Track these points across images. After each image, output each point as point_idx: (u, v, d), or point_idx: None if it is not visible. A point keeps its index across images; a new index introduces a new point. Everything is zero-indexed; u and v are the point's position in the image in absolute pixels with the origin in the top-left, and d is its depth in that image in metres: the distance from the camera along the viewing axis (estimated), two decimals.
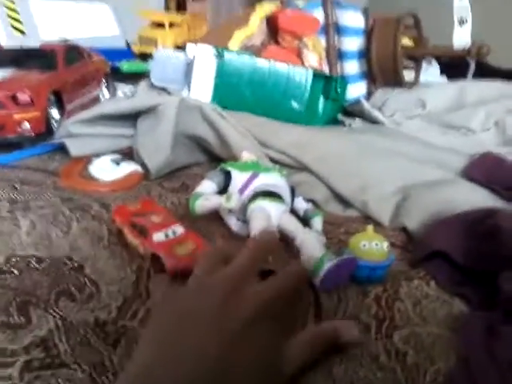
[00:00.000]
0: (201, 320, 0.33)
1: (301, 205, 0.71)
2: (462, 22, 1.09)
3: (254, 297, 0.35)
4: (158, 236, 0.59)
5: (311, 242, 0.59)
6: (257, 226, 0.61)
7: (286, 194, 0.68)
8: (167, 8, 3.57)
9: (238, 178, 0.68)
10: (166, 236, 0.60)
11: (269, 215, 0.63)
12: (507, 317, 0.52)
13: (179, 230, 0.62)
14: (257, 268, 0.38)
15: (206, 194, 0.66)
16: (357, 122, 1.07)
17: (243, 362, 0.32)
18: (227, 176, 0.69)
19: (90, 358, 0.45)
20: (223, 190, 0.68)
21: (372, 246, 0.58)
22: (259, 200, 0.65)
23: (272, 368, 0.35)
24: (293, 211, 0.71)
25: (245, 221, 0.65)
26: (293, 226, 0.63)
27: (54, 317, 0.50)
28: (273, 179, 0.68)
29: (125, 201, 0.76)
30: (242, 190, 0.67)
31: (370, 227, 0.60)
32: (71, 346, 0.46)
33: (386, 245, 0.58)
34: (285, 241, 0.63)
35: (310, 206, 0.71)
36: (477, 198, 0.72)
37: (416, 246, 0.68)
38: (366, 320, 0.53)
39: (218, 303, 0.34)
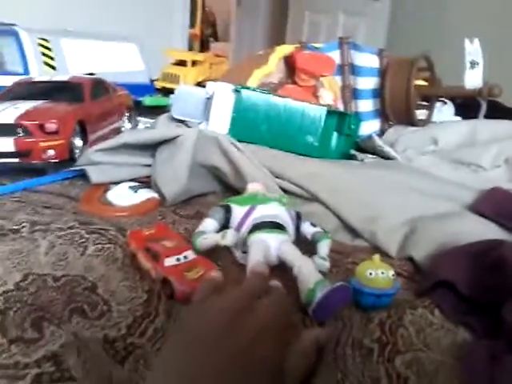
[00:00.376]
0: (209, 342, 0.36)
1: (308, 229, 0.73)
2: (473, 64, 1.12)
3: (256, 317, 0.38)
4: (170, 261, 0.61)
5: (307, 271, 0.60)
6: (253, 259, 0.62)
7: (286, 222, 0.70)
8: (190, 48, 3.71)
9: (238, 212, 0.70)
10: (178, 260, 0.62)
11: (267, 246, 0.65)
12: (511, 346, 0.52)
13: (191, 255, 0.64)
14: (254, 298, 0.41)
15: (206, 232, 0.68)
16: (369, 158, 1.09)
17: (252, 376, 0.35)
18: (228, 211, 0.71)
19: (99, 375, 0.46)
20: (225, 225, 0.71)
21: (378, 274, 0.59)
22: (257, 232, 0.66)
23: (276, 380, 0.37)
24: (300, 236, 0.72)
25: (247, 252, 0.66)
26: (291, 255, 0.64)
27: (67, 333, 0.52)
28: (271, 210, 0.70)
29: (140, 226, 0.79)
30: (241, 224, 0.69)
31: (377, 256, 0.61)
32: (81, 362, 0.47)
33: (391, 273, 0.59)
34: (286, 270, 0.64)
35: (317, 229, 0.72)
36: (484, 231, 0.73)
37: (422, 276, 0.69)
38: (369, 344, 0.54)
39: (223, 324, 0.37)
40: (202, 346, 0.35)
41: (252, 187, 0.77)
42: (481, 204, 0.80)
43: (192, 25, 3.85)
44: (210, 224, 0.70)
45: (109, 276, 0.64)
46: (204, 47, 4.60)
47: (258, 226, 0.67)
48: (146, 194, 0.88)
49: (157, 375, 0.37)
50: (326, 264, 0.65)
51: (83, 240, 0.73)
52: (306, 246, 0.71)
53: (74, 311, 0.56)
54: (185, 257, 0.63)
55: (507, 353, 0.52)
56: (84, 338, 0.51)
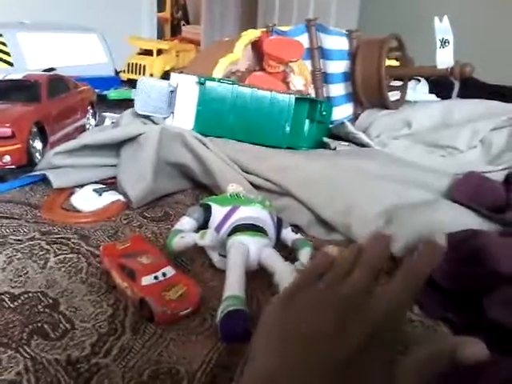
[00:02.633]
0: (318, 340, 0.31)
1: (289, 235, 0.70)
2: (443, 43, 1.09)
3: (371, 312, 0.33)
4: (147, 279, 0.57)
5: (288, 279, 0.57)
6: (233, 262, 0.59)
7: (268, 226, 0.67)
8: (161, 33, 3.61)
9: (218, 212, 0.67)
10: (156, 279, 0.57)
11: (247, 250, 0.62)
12: (491, 340, 0.51)
13: (169, 272, 0.59)
14: (371, 282, 0.35)
15: (183, 232, 0.65)
16: (342, 145, 1.06)
17: (363, 375, 0.30)
18: (207, 211, 0.68)
19: None
20: (204, 225, 0.67)
21: None
22: (238, 234, 0.64)
23: None
24: (280, 242, 0.70)
25: (225, 256, 0.63)
26: (273, 261, 0.61)
27: (25, 358, 0.48)
28: (254, 212, 0.67)
29: (104, 232, 0.75)
30: (221, 225, 0.66)
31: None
32: None
33: None
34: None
35: (298, 236, 0.70)
36: (460, 219, 0.71)
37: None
38: None
39: (336, 320, 0.32)
40: (315, 342, 0.31)
41: (232, 188, 0.74)
42: (456, 190, 0.78)
43: (161, 8, 3.75)
44: (187, 222, 0.67)
45: (72, 290, 0.60)
46: (175, 31, 4.49)
47: (239, 228, 0.64)
48: (110, 197, 0.84)
49: (260, 356, 0.32)
50: None
51: (43, 252, 0.69)
52: (285, 252, 0.68)
53: (34, 332, 0.52)
54: (163, 274, 0.58)
55: (488, 348, 0.50)
56: (44, 362, 0.48)
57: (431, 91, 1.62)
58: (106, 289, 0.60)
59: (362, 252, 0.37)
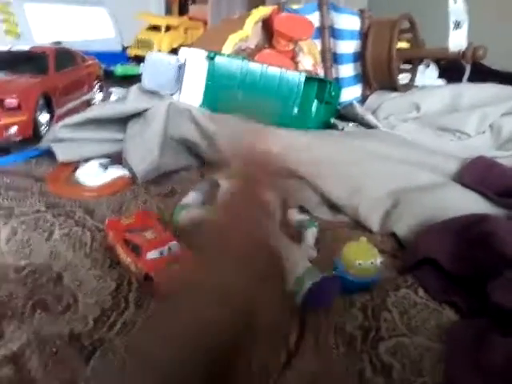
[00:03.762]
0: None
1: (294, 216, 0.69)
2: (457, 25, 1.07)
3: None
4: (152, 254, 0.56)
5: (295, 258, 0.57)
6: None
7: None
8: (169, 12, 3.56)
9: (226, 188, 0.66)
10: (161, 254, 0.57)
11: None
12: (495, 324, 0.50)
13: (175, 247, 0.58)
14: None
15: (190, 205, 0.64)
16: (350, 126, 1.05)
17: None
18: (216, 185, 0.67)
19: (61, 375, 0.43)
20: (212, 201, 0.67)
21: (367, 265, 0.56)
22: None
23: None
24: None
25: None
26: (279, 240, 0.60)
27: (28, 331, 0.48)
28: None
29: (109, 207, 0.75)
30: None
31: (364, 239, 0.58)
32: (43, 362, 0.44)
33: (379, 261, 0.57)
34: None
35: (303, 216, 0.70)
36: (467, 202, 0.70)
37: (405, 252, 0.66)
38: (352, 331, 0.51)
39: None
40: None
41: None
42: (464, 174, 0.77)
43: None
44: (194, 197, 0.66)
45: (76, 264, 0.60)
46: (183, 10, 4.43)
47: None
48: (116, 172, 0.84)
49: None
50: (314, 253, 0.62)
51: (49, 224, 0.69)
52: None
53: (37, 305, 0.52)
54: (169, 248, 0.58)
55: (491, 331, 0.50)
56: (47, 335, 0.48)
57: (440, 76, 1.59)
58: (110, 263, 0.60)
59: None
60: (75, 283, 0.56)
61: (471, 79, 1.22)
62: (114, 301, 0.53)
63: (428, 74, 1.51)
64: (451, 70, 1.48)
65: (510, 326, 0.49)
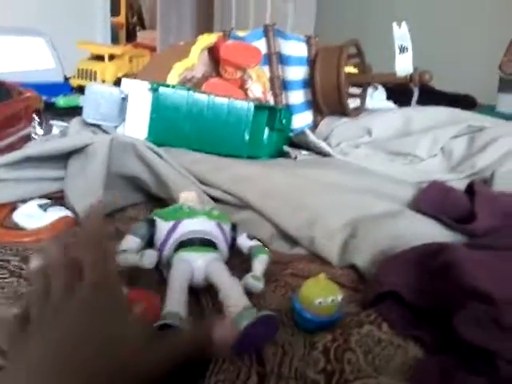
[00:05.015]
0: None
1: (244, 242, 0.66)
2: (402, 49, 1.08)
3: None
4: None
5: (231, 300, 0.53)
6: (173, 281, 0.55)
7: (217, 238, 0.62)
8: (116, 39, 3.52)
9: (162, 227, 0.62)
10: None
11: (192, 267, 0.57)
12: (463, 361, 0.48)
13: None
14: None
15: (126, 252, 0.59)
16: (303, 154, 1.04)
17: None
18: (152, 226, 0.63)
19: None
20: (151, 241, 0.62)
21: (328, 303, 0.53)
22: (182, 251, 0.59)
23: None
24: (237, 249, 0.66)
25: None
26: (217, 277, 0.56)
27: None
28: (198, 225, 0.62)
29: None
30: (164, 242, 0.61)
31: (322, 276, 0.55)
32: None
33: (340, 297, 0.54)
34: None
35: (254, 242, 0.66)
36: (427, 231, 0.69)
37: (367, 285, 0.64)
38: (314, 376, 0.48)
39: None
40: None
41: (185, 196, 0.69)
42: (420, 201, 0.76)
43: (116, 13, 3.65)
44: (131, 242, 0.61)
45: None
46: (130, 37, 4.40)
47: (183, 245, 0.60)
48: (57, 213, 0.78)
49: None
50: (259, 285, 0.58)
51: None
52: (244, 261, 0.64)
53: None
54: None
55: (460, 368, 0.48)
56: None
57: (388, 98, 1.62)
58: None
59: None
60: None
61: (419, 101, 1.24)
62: None
63: (376, 97, 1.54)
64: (398, 92, 1.52)
65: (476, 361, 0.47)
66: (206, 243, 0.61)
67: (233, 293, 0.54)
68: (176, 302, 0.52)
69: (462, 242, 0.65)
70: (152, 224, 0.63)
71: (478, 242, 0.65)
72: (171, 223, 0.61)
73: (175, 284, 0.54)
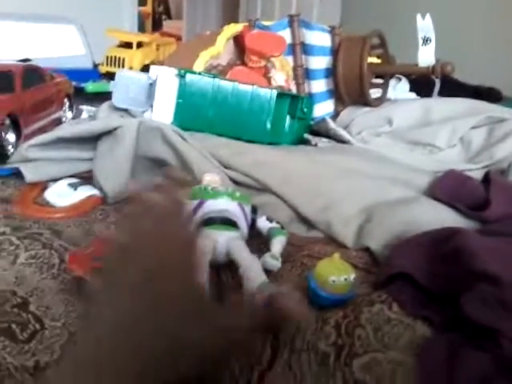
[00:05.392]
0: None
1: (264, 224, 0.69)
2: (425, 40, 1.09)
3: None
4: None
5: (253, 273, 0.56)
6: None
7: (238, 218, 0.66)
8: (142, 28, 3.56)
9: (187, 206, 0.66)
10: None
11: (214, 243, 0.61)
12: (468, 338, 0.50)
13: None
14: None
15: None
16: (323, 141, 1.05)
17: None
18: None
19: None
20: None
21: (341, 281, 0.56)
22: (205, 229, 0.62)
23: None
24: (256, 232, 0.69)
25: None
26: (238, 253, 0.60)
27: None
28: (221, 204, 0.65)
29: (78, 227, 0.73)
30: None
31: (337, 256, 0.58)
32: None
33: (353, 276, 0.56)
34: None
35: (273, 224, 0.69)
36: (440, 217, 0.70)
37: (379, 267, 0.66)
38: (325, 348, 0.51)
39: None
40: None
41: (208, 178, 0.72)
42: (436, 188, 0.77)
43: (143, 2, 3.70)
44: None
45: (43, 288, 0.58)
46: (156, 26, 4.44)
47: (206, 223, 0.63)
48: (86, 192, 0.82)
49: None
50: (277, 264, 0.61)
51: (13, 247, 0.66)
52: (262, 242, 0.67)
53: (1, 333, 0.50)
54: None
55: (466, 345, 0.50)
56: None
57: (411, 90, 1.62)
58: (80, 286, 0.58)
59: None
60: (41, 308, 0.54)
61: (442, 93, 1.25)
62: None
63: (400, 88, 1.54)
64: (421, 83, 1.52)
65: (482, 338, 0.49)
66: (228, 222, 0.64)
67: (253, 269, 0.57)
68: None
69: (474, 228, 0.67)
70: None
71: (490, 228, 0.66)
72: (196, 202, 0.65)
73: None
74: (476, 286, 0.53)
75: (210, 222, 0.63)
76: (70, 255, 0.61)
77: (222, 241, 0.61)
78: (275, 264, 0.61)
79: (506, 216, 0.69)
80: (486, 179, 0.79)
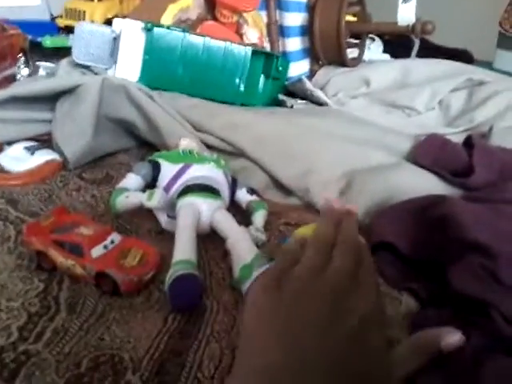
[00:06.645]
0: (313, 325, 0.30)
1: (243, 197, 0.66)
2: None
3: (360, 301, 0.31)
4: (97, 250, 0.50)
5: (242, 246, 0.54)
6: (182, 224, 0.54)
7: (222, 187, 0.62)
8: None
9: (168, 170, 0.61)
10: (105, 248, 0.51)
11: (198, 212, 0.57)
12: (456, 313, 0.48)
13: (117, 238, 0.53)
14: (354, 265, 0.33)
15: (128, 190, 0.58)
16: (299, 103, 1.01)
17: (361, 361, 0.29)
18: (156, 168, 0.61)
19: None
20: (152, 183, 0.61)
21: None
22: (189, 195, 0.58)
23: (383, 372, 0.31)
24: (235, 203, 0.66)
25: (175, 217, 0.57)
26: (225, 224, 0.57)
27: None
28: (207, 171, 0.61)
29: (36, 196, 0.67)
30: (170, 184, 0.60)
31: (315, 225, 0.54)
32: None
33: None
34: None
35: (253, 197, 0.66)
36: (423, 183, 0.68)
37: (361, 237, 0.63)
38: None
39: (326, 312, 0.30)
40: (310, 328, 0.30)
41: (185, 143, 0.67)
42: (417, 154, 0.74)
43: None
44: (133, 181, 0.61)
45: None
46: None
47: (191, 189, 0.59)
48: (44, 156, 0.76)
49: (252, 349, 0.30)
50: (263, 237, 0.58)
51: None
52: (240, 213, 0.64)
53: None
54: (112, 241, 0.52)
55: (453, 320, 0.48)
56: None
57: (385, 51, 1.58)
58: (38, 262, 0.53)
59: (336, 231, 0.36)
60: None
61: (416, 54, 1.21)
62: (42, 303, 0.47)
63: (373, 49, 1.49)
64: (395, 44, 1.47)
65: (471, 312, 0.47)
66: (211, 190, 0.60)
67: (243, 241, 0.54)
68: (188, 249, 0.52)
69: (459, 195, 0.65)
70: (155, 166, 0.62)
71: (475, 194, 0.64)
72: (179, 166, 0.61)
73: (185, 230, 0.54)
74: (465, 257, 0.50)
75: (194, 188, 0.59)
76: (28, 227, 0.55)
77: (206, 209, 0.58)
78: (260, 237, 0.58)
79: (489, 183, 0.67)
80: (468, 143, 0.76)
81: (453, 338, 0.38)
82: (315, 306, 0.30)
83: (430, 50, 1.52)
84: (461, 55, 1.73)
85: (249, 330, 0.32)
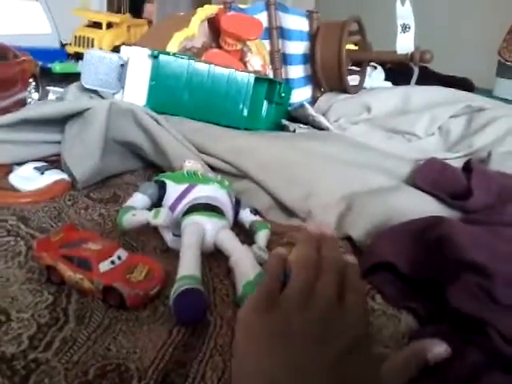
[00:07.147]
0: (303, 349, 0.31)
1: (246, 217, 0.67)
2: (404, 28, 1.08)
3: (347, 325, 0.32)
4: (105, 265, 0.52)
5: (245, 264, 0.55)
6: (187, 242, 0.56)
7: (226, 207, 0.64)
8: (111, 8, 3.44)
9: (173, 190, 0.63)
10: (113, 263, 0.53)
11: (203, 230, 0.58)
12: (454, 331, 0.49)
13: (123, 254, 0.55)
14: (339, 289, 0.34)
15: (135, 209, 0.60)
16: (301, 128, 1.03)
17: (352, 382, 0.30)
18: (162, 188, 0.63)
19: None
20: (158, 203, 0.63)
21: None
22: (194, 214, 0.60)
23: None
24: (238, 224, 0.67)
25: (180, 235, 0.59)
26: (229, 243, 0.59)
27: None
28: (211, 191, 0.63)
29: (46, 213, 0.69)
30: (176, 203, 0.62)
31: None
32: None
33: None
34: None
35: (256, 218, 0.68)
36: (422, 205, 0.69)
37: (361, 257, 0.65)
38: None
39: (317, 333, 0.31)
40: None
41: (190, 165, 0.69)
42: (417, 177, 0.76)
43: None
44: (139, 200, 0.62)
45: (8, 277, 0.54)
46: (135, 9, 4.29)
47: (195, 208, 0.61)
48: (53, 176, 0.78)
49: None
50: (265, 256, 0.60)
51: None
52: (243, 233, 0.65)
53: None
54: (119, 257, 0.54)
55: (450, 337, 0.49)
56: None
57: (386, 79, 1.61)
58: (48, 276, 0.54)
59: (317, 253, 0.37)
60: (7, 299, 0.50)
61: (416, 83, 1.24)
62: (52, 315, 0.49)
63: (375, 76, 1.53)
64: (396, 72, 1.51)
65: (469, 330, 0.48)
66: (215, 210, 0.62)
67: (244, 260, 0.55)
68: (193, 265, 0.53)
69: (457, 217, 0.66)
70: (161, 186, 0.64)
71: (473, 217, 0.65)
72: (184, 186, 0.63)
73: (190, 248, 0.55)
74: (462, 277, 0.52)
75: (199, 208, 0.61)
76: (38, 242, 0.57)
77: (211, 228, 0.59)
78: (263, 256, 0.59)
79: (487, 206, 0.69)
80: (467, 168, 0.78)
81: (438, 349, 0.40)
82: (304, 332, 0.31)
83: (431, 78, 1.56)
84: (461, 83, 1.77)
85: (240, 351, 0.32)
